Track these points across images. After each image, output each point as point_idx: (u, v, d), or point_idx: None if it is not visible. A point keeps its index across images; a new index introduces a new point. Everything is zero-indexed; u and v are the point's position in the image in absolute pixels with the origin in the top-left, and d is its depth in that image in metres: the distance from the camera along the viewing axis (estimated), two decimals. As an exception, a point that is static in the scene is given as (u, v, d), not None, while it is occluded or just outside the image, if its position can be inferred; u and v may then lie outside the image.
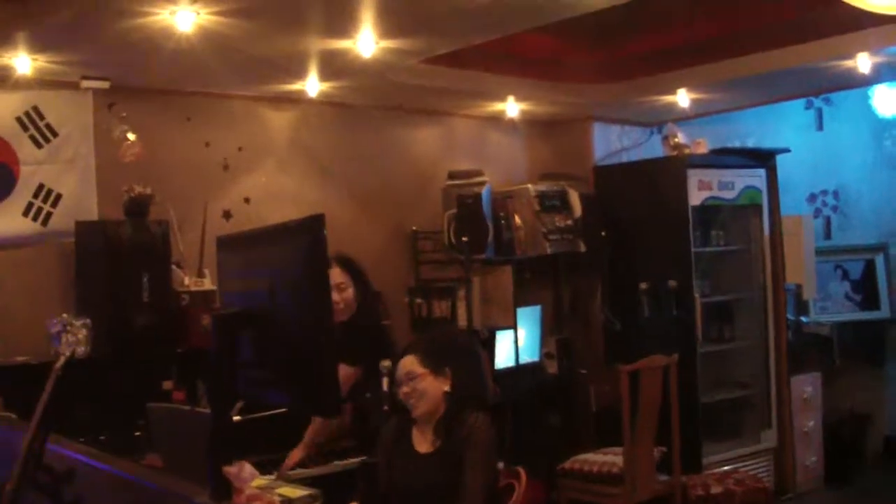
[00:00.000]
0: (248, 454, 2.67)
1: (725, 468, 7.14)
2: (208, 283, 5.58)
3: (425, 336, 4.60)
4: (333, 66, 5.80)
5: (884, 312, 8.70)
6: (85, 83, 5.47)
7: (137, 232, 5.27)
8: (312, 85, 6.18)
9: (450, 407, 4.14)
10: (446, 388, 4.14)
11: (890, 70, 6.86)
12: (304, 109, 6.67)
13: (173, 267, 5.52)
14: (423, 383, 4.11)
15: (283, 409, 4.63)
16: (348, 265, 5.13)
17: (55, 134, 5.49)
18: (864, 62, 6.43)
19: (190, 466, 2.94)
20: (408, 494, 4.03)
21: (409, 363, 4.15)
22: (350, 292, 5.03)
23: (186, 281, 5.61)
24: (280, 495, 3.56)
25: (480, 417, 4.12)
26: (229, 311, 2.70)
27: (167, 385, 5.21)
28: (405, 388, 4.12)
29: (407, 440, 4.20)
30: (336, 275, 4.97)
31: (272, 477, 4.40)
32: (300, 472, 4.76)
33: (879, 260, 8.71)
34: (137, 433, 4.72)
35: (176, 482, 2.75)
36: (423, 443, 4.18)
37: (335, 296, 4.93)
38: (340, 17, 4.90)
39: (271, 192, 6.40)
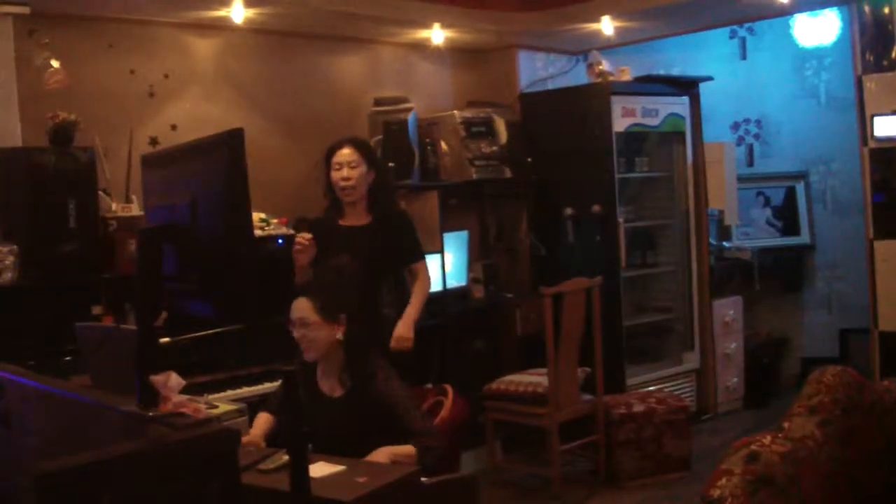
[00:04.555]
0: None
1: (649, 389, 7.32)
2: (135, 209, 5.57)
3: (320, 279, 4.59)
4: (258, -9, 5.81)
5: (803, 238, 8.92)
6: (4, 8, 5.36)
7: (62, 159, 5.20)
8: (238, 12, 6.15)
9: (350, 355, 4.18)
10: (339, 335, 4.15)
11: (808, 0, 6.97)
12: (229, 37, 6.64)
13: (100, 193, 5.49)
14: (314, 331, 4.13)
15: (215, 331, 4.74)
16: (360, 145, 5.31)
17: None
18: (783, -9, 6.53)
19: (120, 383, 2.99)
20: (315, 437, 4.02)
21: (303, 308, 4.16)
22: (361, 170, 5.18)
23: (114, 207, 5.59)
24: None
25: (383, 367, 4.19)
26: (153, 225, 2.75)
27: (96, 310, 5.22)
28: (297, 333, 4.15)
29: (313, 383, 4.25)
30: (346, 154, 5.18)
31: (201, 398, 4.46)
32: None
33: (800, 188, 8.91)
34: (67, 358, 4.75)
35: (104, 394, 2.81)
36: (328, 387, 4.24)
37: (345, 172, 5.14)
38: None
39: (198, 119, 6.36)
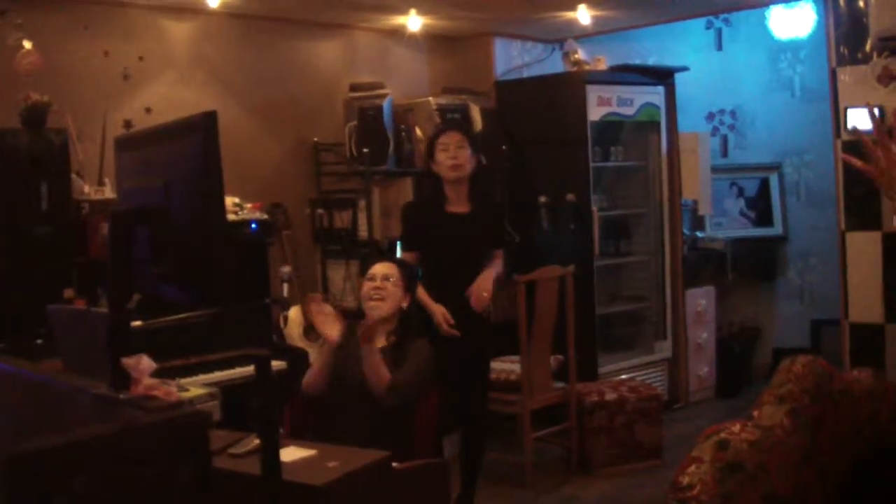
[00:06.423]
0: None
1: (621, 377, 7.34)
2: (108, 192, 5.55)
3: (402, 261, 5.04)
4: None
5: (776, 230, 8.95)
6: (-24, -11, 5.35)
7: (35, 140, 5.17)
8: (213, -6, 6.16)
9: (402, 323, 4.65)
10: (405, 304, 4.67)
11: (784, -9, 6.99)
12: (204, 20, 6.62)
13: (73, 176, 5.47)
14: (393, 287, 4.62)
15: (188, 315, 4.73)
16: (466, 131, 5.71)
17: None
18: (759, -19, 6.54)
19: (91, 366, 2.98)
20: (353, 380, 4.40)
21: (390, 268, 4.70)
22: (468, 152, 5.45)
23: (86, 189, 5.57)
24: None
25: (426, 344, 4.57)
26: (125, 207, 2.74)
27: (68, 293, 5.19)
28: (377, 284, 4.61)
29: (353, 341, 4.51)
30: (454, 136, 5.46)
31: (172, 382, 4.45)
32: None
33: (774, 179, 8.94)
34: (38, 341, 4.73)
35: (75, 378, 2.80)
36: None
37: (452, 152, 5.41)
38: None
39: (172, 103, 6.34)
